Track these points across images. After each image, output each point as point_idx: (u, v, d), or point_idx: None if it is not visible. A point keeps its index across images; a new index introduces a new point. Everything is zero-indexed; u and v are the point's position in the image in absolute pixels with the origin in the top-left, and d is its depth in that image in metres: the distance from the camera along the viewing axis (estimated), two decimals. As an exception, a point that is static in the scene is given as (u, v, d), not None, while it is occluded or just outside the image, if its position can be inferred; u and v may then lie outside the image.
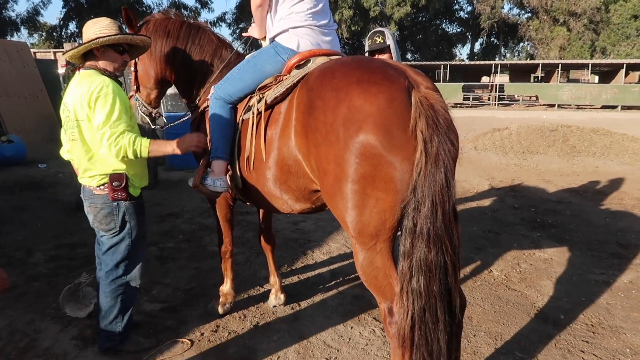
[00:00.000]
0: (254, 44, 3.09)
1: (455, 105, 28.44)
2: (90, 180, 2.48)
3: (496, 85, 30.04)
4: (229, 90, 2.62)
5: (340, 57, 2.43)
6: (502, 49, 47.32)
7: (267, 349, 2.84)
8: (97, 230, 2.58)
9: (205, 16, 35.68)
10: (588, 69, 31.96)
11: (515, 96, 30.50)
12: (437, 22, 44.86)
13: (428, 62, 33.73)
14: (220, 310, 3.21)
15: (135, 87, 3.13)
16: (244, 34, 3.08)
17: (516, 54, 48.63)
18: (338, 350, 2.83)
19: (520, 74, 35.16)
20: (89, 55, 2.46)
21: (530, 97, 30.10)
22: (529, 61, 36.96)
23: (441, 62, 32.81)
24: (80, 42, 2.50)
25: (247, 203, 2.93)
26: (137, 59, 3.03)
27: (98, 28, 2.39)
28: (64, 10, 31.79)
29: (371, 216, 1.83)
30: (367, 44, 3.43)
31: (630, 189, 6.87)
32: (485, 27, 40.50)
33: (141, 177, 2.60)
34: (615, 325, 3.09)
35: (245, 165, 2.51)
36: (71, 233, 4.96)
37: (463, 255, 4.09)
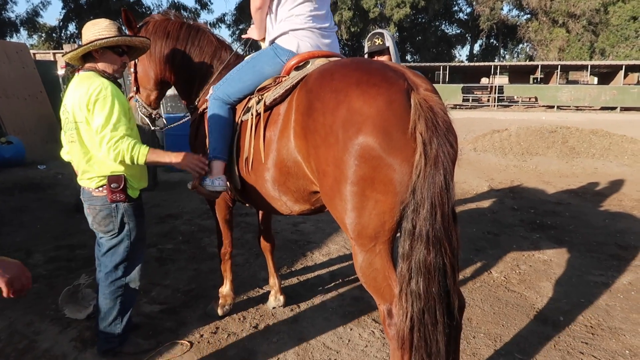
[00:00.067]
0: (253, 46, 3.10)
1: (455, 107, 28.45)
2: (88, 182, 2.48)
3: (495, 86, 30.03)
4: (228, 91, 2.63)
5: (339, 58, 2.43)
6: (502, 51, 47.38)
7: (266, 351, 2.84)
8: (97, 231, 2.58)
9: (204, 17, 35.68)
10: (587, 71, 31.97)
11: (515, 97, 30.48)
12: (437, 23, 44.92)
13: (427, 64, 33.70)
14: (219, 311, 3.21)
15: (135, 88, 3.14)
16: (243, 36, 3.08)
17: (515, 56, 48.66)
18: (337, 352, 2.83)
19: (519, 75, 35.16)
20: (88, 56, 2.46)
21: (530, 99, 30.10)
22: (528, 62, 36.99)
23: (440, 64, 32.80)
24: (80, 43, 2.50)
25: (246, 204, 2.93)
26: (136, 60, 3.03)
27: (97, 30, 2.39)
28: (64, 11, 31.86)
29: (370, 218, 1.83)
30: (366, 45, 3.43)
31: (630, 191, 6.88)
32: (484, 28, 40.55)
33: (140, 179, 2.60)
34: (614, 327, 3.10)
35: (244, 167, 2.51)
36: (70, 234, 4.95)
37: (462, 256, 4.11)
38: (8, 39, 28.44)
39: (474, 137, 11.70)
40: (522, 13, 41.91)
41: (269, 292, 3.45)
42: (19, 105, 9.40)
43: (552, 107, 27.81)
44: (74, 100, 2.37)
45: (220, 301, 3.24)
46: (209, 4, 34.90)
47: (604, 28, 36.49)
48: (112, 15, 20.87)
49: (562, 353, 2.80)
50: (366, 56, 3.38)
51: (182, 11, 30.29)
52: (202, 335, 3.00)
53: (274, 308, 3.35)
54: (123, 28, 2.61)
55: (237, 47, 3.16)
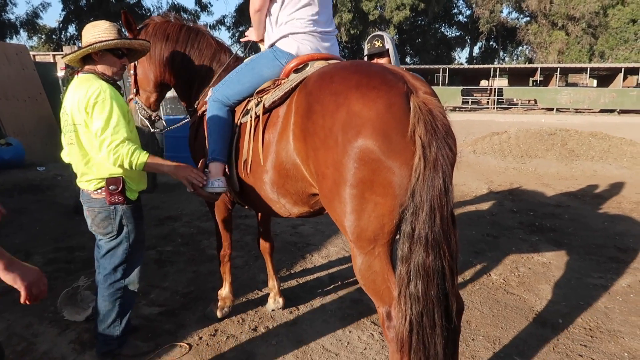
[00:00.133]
0: (253, 48, 3.10)
1: (454, 109, 28.48)
2: (87, 184, 2.48)
3: (495, 89, 30.07)
4: (227, 93, 2.63)
5: (338, 61, 2.43)
6: (501, 53, 47.50)
7: (265, 353, 2.83)
8: (96, 233, 2.58)
9: (204, 19, 35.73)
10: (586, 73, 32.03)
11: (514, 100, 30.53)
12: (436, 25, 45.02)
13: (427, 66, 33.78)
14: (218, 314, 3.21)
15: (134, 90, 3.14)
16: (242, 40, 3.09)
17: (515, 58, 48.79)
18: (336, 355, 2.82)
19: (519, 77, 35.20)
20: (87, 58, 2.46)
21: (529, 101, 30.14)
22: (527, 65, 37.01)
23: (440, 66, 32.88)
24: (80, 44, 2.50)
25: (246, 207, 2.93)
26: (136, 62, 3.03)
27: (97, 32, 2.39)
28: (64, 13, 31.86)
29: (369, 220, 1.83)
30: (366, 47, 3.44)
31: (629, 193, 6.88)
32: (484, 31, 40.65)
33: (138, 181, 2.60)
34: (613, 329, 3.10)
35: (242, 169, 2.51)
36: (70, 236, 4.95)
37: (462, 259, 4.12)
38: (8, 40, 28.48)
39: (474, 139, 11.70)
40: (521, 16, 42.05)
41: (268, 295, 3.45)
42: (18, 107, 9.40)
43: (552, 109, 27.85)
44: (72, 103, 2.38)
45: (219, 303, 3.24)
46: (209, 6, 34.95)
47: (603, 31, 36.59)
48: (112, 17, 20.91)
49: (561, 356, 2.80)
50: (366, 58, 3.39)
51: (182, 13, 30.31)
52: (201, 338, 2.99)
53: (273, 310, 3.35)
54: (123, 30, 2.61)
55: (236, 50, 3.17)
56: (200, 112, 2.95)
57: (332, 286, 3.78)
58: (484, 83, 35.68)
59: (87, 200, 2.52)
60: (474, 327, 3.13)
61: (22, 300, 1.53)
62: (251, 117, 2.43)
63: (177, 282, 3.85)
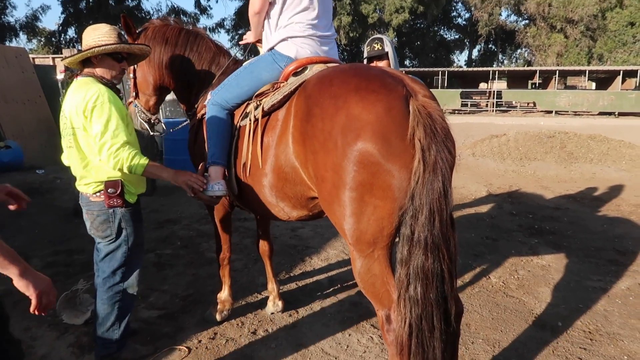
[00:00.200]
0: (252, 51, 3.11)
1: (453, 112, 28.53)
2: (86, 187, 2.47)
3: (494, 91, 30.15)
4: (226, 96, 2.63)
5: (337, 64, 2.44)
6: (500, 56, 47.61)
7: (264, 357, 2.83)
8: (95, 237, 2.58)
9: (204, 22, 35.88)
10: (585, 76, 32.12)
11: (513, 102, 30.62)
12: (435, 28, 45.13)
13: (426, 69, 33.88)
14: (218, 317, 3.20)
15: (134, 93, 3.14)
16: (240, 43, 3.09)
17: (514, 61, 48.88)
18: (336, 358, 2.82)
19: (517, 80, 35.30)
20: (87, 61, 2.46)
21: (528, 104, 30.22)
22: (526, 68, 37.15)
23: (439, 69, 32.95)
24: (79, 47, 2.50)
25: (245, 209, 2.93)
26: (136, 66, 3.04)
27: (97, 35, 2.40)
28: (63, 16, 31.88)
29: (369, 224, 1.83)
30: (365, 50, 3.44)
31: (628, 196, 6.89)
32: (483, 33, 40.77)
33: (137, 184, 2.60)
34: (612, 332, 3.10)
35: (241, 172, 2.51)
36: (68, 239, 4.94)
37: (461, 261, 4.12)
38: (7, 43, 28.49)
39: (473, 142, 11.72)
40: (520, 18, 42.16)
41: (267, 298, 3.44)
42: (17, 110, 9.40)
43: (551, 112, 27.92)
44: (71, 106, 2.38)
45: (218, 306, 3.24)
46: (209, 9, 35.01)
47: (601, 33, 36.71)
48: (112, 20, 20.92)
49: (561, 359, 2.80)
50: (365, 61, 3.40)
51: (181, 16, 30.37)
52: (200, 341, 2.99)
53: (272, 313, 3.34)
54: (123, 34, 2.62)
55: (235, 52, 3.17)
56: (199, 115, 2.95)
57: (331, 289, 3.78)
58: (483, 86, 35.78)
59: (86, 203, 2.52)
60: (474, 330, 3.13)
61: (31, 309, 1.54)
62: (250, 120, 2.43)
63: (176, 285, 3.84)
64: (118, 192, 2.45)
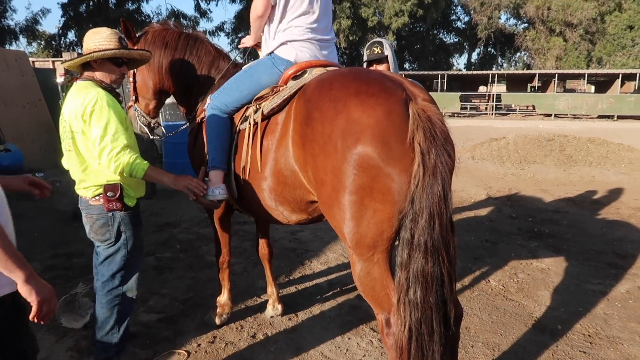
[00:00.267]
0: (252, 54, 3.12)
1: (453, 115, 28.55)
2: (85, 191, 2.47)
3: (493, 94, 30.18)
4: (225, 100, 2.63)
5: (337, 68, 2.44)
6: (499, 59, 47.71)
7: (264, 360, 2.83)
8: (94, 240, 2.57)
9: (204, 26, 35.75)
10: (584, 79, 32.18)
11: (512, 106, 30.63)
12: (435, 32, 45.26)
13: (425, 72, 33.87)
14: (217, 320, 3.20)
15: (134, 97, 3.15)
16: (239, 46, 3.09)
17: (513, 64, 49.00)
18: (335, 361, 2.81)
19: (517, 83, 35.35)
20: (87, 65, 2.46)
21: (527, 107, 30.24)
22: (525, 71, 37.22)
23: (439, 72, 32.97)
24: (79, 51, 2.51)
25: (244, 213, 2.93)
26: (135, 70, 3.04)
27: (97, 39, 2.40)
28: (63, 19, 31.97)
29: (369, 227, 1.83)
30: (365, 54, 3.45)
31: (627, 199, 6.89)
32: (482, 37, 40.89)
33: (136, 188, 2.60)
34: (612, 336, 3.09)
35: (241, 176, 2.51)
36: (68, 242, 4.94)
37: (460, 265, 4.12)
38: (7, 46, 28.55)
39: (472, 145, 11.72)
40: (519, 22, 42.29)
41: (266, 301, 3.44)
42: (17, 113, 9.39)
43: (550, 115, 27.95)
44: (70, 110, 2.38)
45: (218, 310, 3.23)
46: (208, 12, 35.08)
47: (600, 37, 36.81)
48: (112, 24, 20.95)
49: (561, 362, 2.80)
50: (365, 64, 3.40)
51: (181, 19, 30.44)
52: (199, 345, 2.98)
53: (271, 317, 3.34)
54: (124, 37, 2.62)
55: (235, 56, 3.18)
56: (199, 118, 2.95)
57: (331, 293, 3.77)
58: (482, 89, 35.81)
59: (85, 206, 2.52)
60: (473, 334, 3.13)
61: (31, 316, 1.54)
62: (250, 124, 2.44)
63: (175, 288, 3.84)
64: (117, 195, 2.45)
